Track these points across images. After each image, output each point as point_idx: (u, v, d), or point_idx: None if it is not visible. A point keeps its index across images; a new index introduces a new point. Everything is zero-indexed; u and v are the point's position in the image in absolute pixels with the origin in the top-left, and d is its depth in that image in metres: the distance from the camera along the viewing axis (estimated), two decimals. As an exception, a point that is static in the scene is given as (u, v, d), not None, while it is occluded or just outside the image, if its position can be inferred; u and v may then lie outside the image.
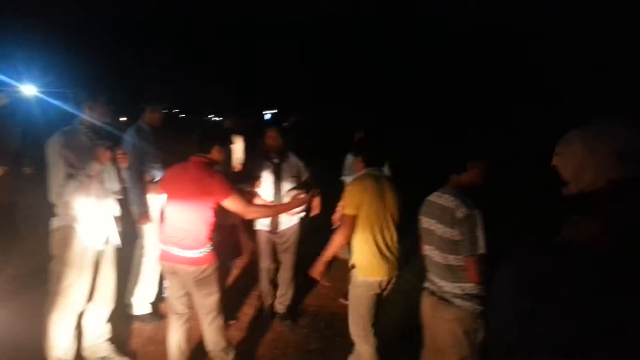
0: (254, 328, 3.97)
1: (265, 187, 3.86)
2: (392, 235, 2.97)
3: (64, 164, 2.84)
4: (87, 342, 3.25)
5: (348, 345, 3.17)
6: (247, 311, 4.26)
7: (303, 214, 3.89)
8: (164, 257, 2.99)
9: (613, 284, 0.92)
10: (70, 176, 2.86)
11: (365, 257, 2.92)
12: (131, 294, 3.96)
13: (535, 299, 0.99)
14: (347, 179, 4.55)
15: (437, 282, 2.44)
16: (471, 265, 2.26)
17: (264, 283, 4.17)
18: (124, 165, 3.18)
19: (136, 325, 3.92)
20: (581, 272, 0.97)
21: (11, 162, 3.57)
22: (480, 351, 2.35)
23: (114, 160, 3.07)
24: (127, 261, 3.89)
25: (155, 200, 3.21)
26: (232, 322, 4.04)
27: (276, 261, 4.14)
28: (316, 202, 3.84)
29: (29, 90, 3.26)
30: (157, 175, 3.77)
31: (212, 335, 3.10)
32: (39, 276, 3.13)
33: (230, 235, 3.87)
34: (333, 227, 3.40)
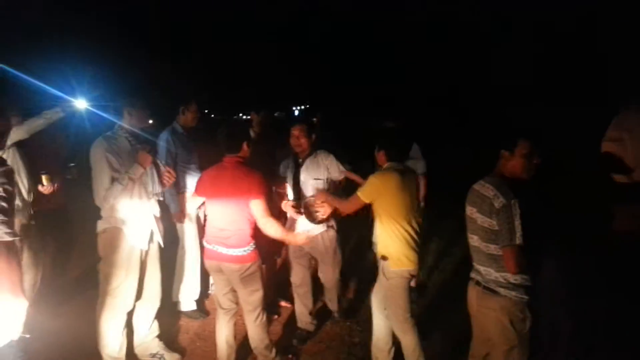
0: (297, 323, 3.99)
1: (290, 187, 3.68)
2: (418, 226, 3.03)
3: (108, 168, 2.94)
4: (137, 339, 3.35)
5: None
6: (290, 306, 4.30)
7: (324, 225, 3.55)
8: (209, 255, 3.06)
9: None
10: (114, 180, 2.95)
11: (397, 249, 2.95)
12: (177, 291, 4.06)
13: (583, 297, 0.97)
14: None
15: (482, 270, 2.42)
16: (508, 255, 2.23)
17: (297, 302, 3.83)
18: (168, 184, 3.33)
19: (183, 322, 4.01)
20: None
21: (62, 171, 3.71)
22: (528, 341, 2.32)
23: (154, 163, 3.16)
24: (172, 261, 4.00)
25: (192, 200, 3.27)
26: (275, 316, 4.09)
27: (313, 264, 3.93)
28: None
29: (80, 104, 3.38)
30: (192, 175, 3.86)
31: (256, 331, 3.16)
32: (92, 278, 3.23)
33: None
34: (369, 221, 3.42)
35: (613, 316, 0.96)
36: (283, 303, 4.29)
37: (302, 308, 3.82)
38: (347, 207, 3.17)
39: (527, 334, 2.32)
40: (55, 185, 3.60)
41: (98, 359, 3.16)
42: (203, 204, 3.23)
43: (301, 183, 3.56)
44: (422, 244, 3.05)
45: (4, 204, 1.71)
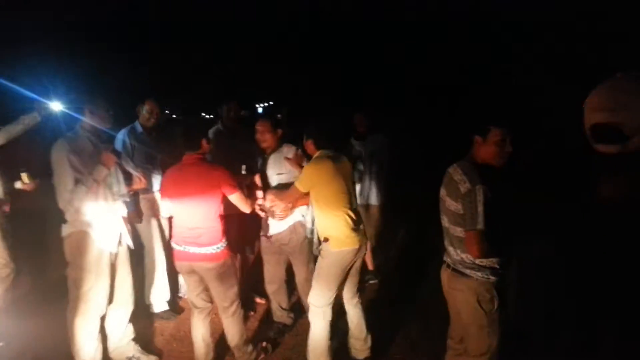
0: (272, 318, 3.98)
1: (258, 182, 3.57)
2: (355, 206, 3.13)
3: (70, 169, 2.84)
4: (112, 343, 3.28)
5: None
6: (264, 302, 4.28)
7: (293, 217, 3.48)
8: (180, 257, 3.02)
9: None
10: (78, 181, 2.86)
11: (339, 230, 3.03)
12: (148, 294, 4.00)
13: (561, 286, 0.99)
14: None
15: (451, 252, 2.46)
16: (470, 239, 2.26)
17: (271, 298, 3.82)
18: (138, 188, 3.33)
19: (158, 324, 3.95)
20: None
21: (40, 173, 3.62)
22: (497, 321, 2.37)
23: (118, 164, 3.09)
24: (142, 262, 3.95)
25: (163, 203, 3.21)
26: (251, 313, 4.07)
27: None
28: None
29: (56, 106, 3.30)
30: (151, 175, 3.82)
31: (233, 327, 3.15)
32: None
33: (240, 225, 3.83)
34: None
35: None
36: (258, 299, 4.26)
37: (276, 304, 3.82)
38: (287, 198, 3.20)
39: (495, 313, 2.37)
40: (36, 182, 3.56)
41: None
42: None
43: (268, 178, 3.51)
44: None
45: None
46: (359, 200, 4.08)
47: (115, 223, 3.09)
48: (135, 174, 3.29)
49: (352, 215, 3.05)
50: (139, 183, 3.31)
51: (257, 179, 3.42)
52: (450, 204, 2.37)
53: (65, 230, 2.98)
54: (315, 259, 3.39)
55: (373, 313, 3.46)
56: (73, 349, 3.04)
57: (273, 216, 3.36)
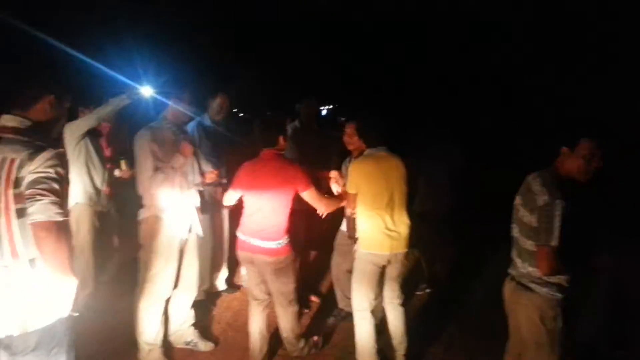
0: (328, 317, 4.01)
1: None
2: (399, 212, 3.04)
3: (151, 157, 3.01)
4: (173, 327, 3.41)
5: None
6: (319, 301, 4.32)
7: None
8: (242, 246, 3.10)
9: None
10: (157, 169, 3.02)
11: (369, 232, 3.03)
12: (213, 278, 4.23)
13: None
14: None
15: (518, 263, 2.37)
16: (541, 255, 2.16)
17: (336, 287, 3.95)
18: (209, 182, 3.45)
19: (216, 312, 4.09)
20: None
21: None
22: (559, 341, 2.27)
23: (195, 154, 3.23)
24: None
25: (229, 194, 3.32)
26: (306, 310, 4.12)
27: None
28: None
29: (146, 91, 3.43)
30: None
31: (288, 322, 3.21)
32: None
33: (307, 222, 3.89)
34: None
35: None
36: (313, 297, 4.31)
37: (340, 292, 3.90)
38: (348, 203, 3.16)
39: (558, 332, 2.26)
40: (134, 170, 3.68)
41: (134, 344, 3.22)
42: None
43: None
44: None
45: (55, 185, 1.76)
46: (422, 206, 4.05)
47: (188, 211, 3.21)
48: (207, 169, 3.40)
49: (390, 218, 3.00)
50: (211, 177, 3.42)
51: (334, 174, 3.48)
52: (524, 214, 2.28)
53: (142, 214, 3.15)
54: None
55: (421, 322, 3.47)
56: (137, 329, 3.19)
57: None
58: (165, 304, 3.27)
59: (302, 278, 4.07)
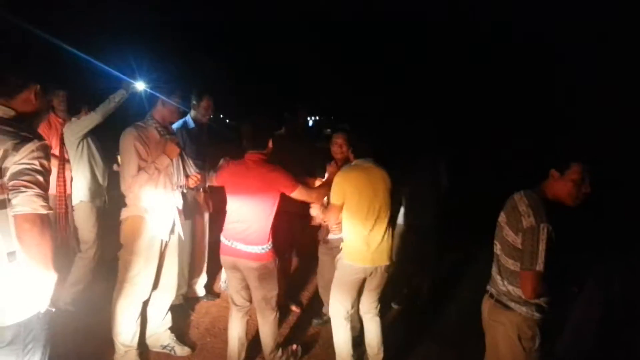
0: (307, 326, 4.01)
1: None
2: (383, 224, 3.05)
3: (136, 156, 2.98)
4: (150, 330, 3.37)
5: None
6: (299, 310, 4.30)
7: None
8: (226, 251, 3.07)
9: None
10: (141, 168, 2.99)
11: (353, 244, 3.05)
12: (192, 282, 4.20)
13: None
14: None
15: (497, 280, 2.36)
16: (526, 279, 2.14)
17: (321, 291, 3.96)
18: (192, 186, 3.42)
19: (194, 317, 4.04)
20: None
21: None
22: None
23: (181, 155, 3.21)
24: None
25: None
26: (286, 319, 4.09)
27: None
28: None
29: (140, 85, 3.45)
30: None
31: (268, 328, 3.18)
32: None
33: (288, 227, 3.88)
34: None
35: None
36: (293, 307, 4.29)
37: (326, 298, 3.83)
38: (330, 213, 3.12)
39: (535, 352, 2.25)
40: None
41: (111, 345, 3.17)
42: None
43: None
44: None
45: (39, 178, 1.73)
46: (405, 220, 4.08)
47: (170, 212, 3.19)
48: (192, 172, 3.36)
49: (374, 231, 3.01)
50: (194, 181, 3.38)
51: (318, 183, 3.49)
52: (508, 233, 2.25)
53: (123, 214, 3.12)
54: None
55: (399, 333, 3.48)
56: (113, 330, 3.14)
57: (330, 229, 3.45)
58: (143, 306, 3.23)
59: (282, 286, 4.06)
